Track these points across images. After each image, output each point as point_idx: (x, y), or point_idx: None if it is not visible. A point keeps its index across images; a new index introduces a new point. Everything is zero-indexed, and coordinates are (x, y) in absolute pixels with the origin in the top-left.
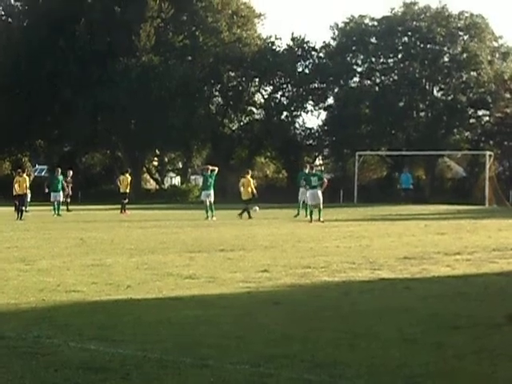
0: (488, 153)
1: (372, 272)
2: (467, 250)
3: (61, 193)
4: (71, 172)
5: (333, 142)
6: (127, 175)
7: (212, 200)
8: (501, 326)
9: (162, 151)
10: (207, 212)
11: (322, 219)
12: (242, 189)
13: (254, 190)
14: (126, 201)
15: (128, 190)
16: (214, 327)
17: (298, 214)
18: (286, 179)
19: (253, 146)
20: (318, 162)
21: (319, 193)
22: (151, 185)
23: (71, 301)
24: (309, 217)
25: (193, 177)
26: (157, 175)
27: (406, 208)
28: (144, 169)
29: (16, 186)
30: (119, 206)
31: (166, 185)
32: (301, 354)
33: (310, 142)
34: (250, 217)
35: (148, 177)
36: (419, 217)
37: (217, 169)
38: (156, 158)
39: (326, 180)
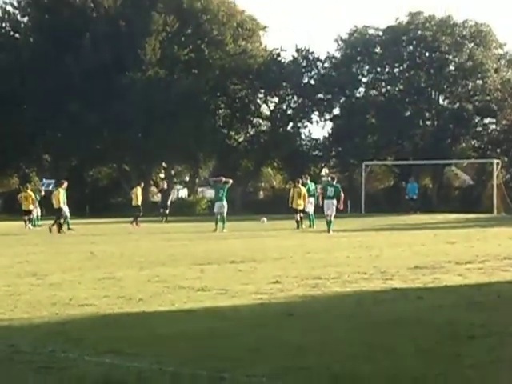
0: (495, 161)
1: (384, 282)
2: (478, 259)
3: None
4: (165, 183)
5: (339, 152)
6: (138, 187)
7: (225, 211)
8: None
9: (169, 164)
10: (217, 224)
11: (330, 231)
12: (296, 199)
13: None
14: (141, 213)
15: (140, 203)
16: (228, 339)
17: (311, 225)
18: None
19: (259, 157)
20: (323, 172)
21: (334, 204)
22: (158, 197)
23: (84, 314)
24: (326, 227)
25: (200, 189)
26: None
27: (413, 217)
28: (151, 182)
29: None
30: (130, 219)
31: (173, 197)
32: (317, 367)
33: (316, 152)
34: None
35: (155, 189)
36: (428, 226)
37: (231, 181)
38: (163, 171)
39: (342, 195)
